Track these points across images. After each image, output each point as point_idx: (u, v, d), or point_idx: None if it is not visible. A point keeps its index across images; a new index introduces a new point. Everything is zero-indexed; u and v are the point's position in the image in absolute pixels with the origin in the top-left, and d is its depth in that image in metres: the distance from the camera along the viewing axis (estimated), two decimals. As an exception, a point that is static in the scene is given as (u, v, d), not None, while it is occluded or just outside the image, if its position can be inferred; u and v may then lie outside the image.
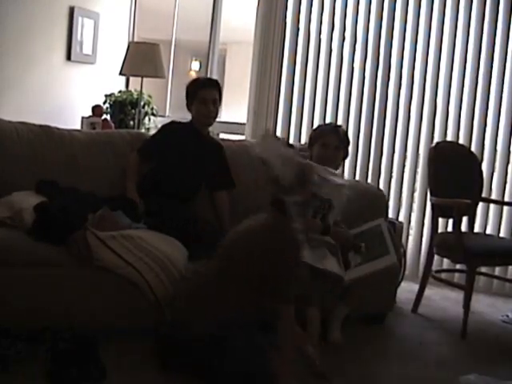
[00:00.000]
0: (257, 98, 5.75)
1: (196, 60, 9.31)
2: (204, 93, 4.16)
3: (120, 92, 6.03)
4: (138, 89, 5.77)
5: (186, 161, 4.16)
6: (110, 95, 5.94)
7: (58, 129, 4.29)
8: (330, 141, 4.05)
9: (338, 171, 4.27)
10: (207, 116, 4.19)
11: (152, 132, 5.08)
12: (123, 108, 5.85)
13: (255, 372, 3.04)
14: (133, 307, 3.48)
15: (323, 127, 4.34)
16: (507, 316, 4.69)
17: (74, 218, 3.54)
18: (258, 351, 3.12)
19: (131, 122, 5.77)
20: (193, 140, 4.22)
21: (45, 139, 4.16)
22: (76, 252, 3.43)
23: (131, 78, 6.35)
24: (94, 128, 5.30)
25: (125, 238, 3.46)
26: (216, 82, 4.37)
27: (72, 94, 5.75)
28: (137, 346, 3.42)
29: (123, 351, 3.38)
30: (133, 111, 5.80)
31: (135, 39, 6.56)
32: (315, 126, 5.16)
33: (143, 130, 5.80)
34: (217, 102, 4.20)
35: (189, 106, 4.23)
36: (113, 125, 5.56)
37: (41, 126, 4.24)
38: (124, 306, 3.49)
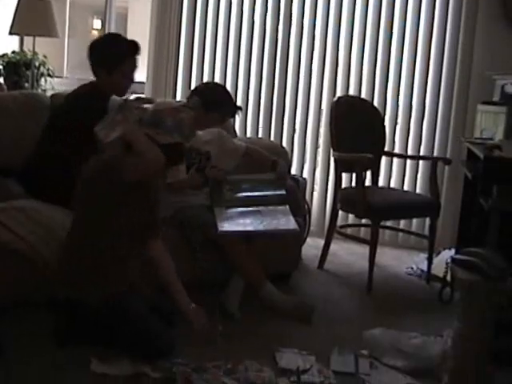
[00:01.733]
0: (156, 55, 5.60)
1: (98, 18, 9.03)
2: (135, 62, 3.71)
3: (13, 53, 5.78)
4: (34, 49, 5.52)
5: None
6: (3, 56, 5.68)
7: None
8: (228, 119, 4.10)
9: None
10: (127, 90, 3.78)
11: (49, 93, 4.89)
12: (17, 69, 5.60)
13: (155, 332, 3.05)
14: (27, 281, 3.33)
15: (229, 102, 3.99)
16: (411, 268, 4.74)
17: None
18: (154, 312, 3.14)
19: (26, 84, 5.54)
20: None
21: None
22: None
23: (26, 38, 6.07)
24: (-15, 91, 5.07)
25: (17, 209, 3.29)
26: None
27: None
28: (33, 320, 3.30)
29: (19, 326, 3.25)
30: (27, 72, 5.56)
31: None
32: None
33: (40, 91, 5.58)
34: None
35: (105, 70, 3.64)
36: (6, 87, 5.32)
37: None
38: (18, 279, 3.33)
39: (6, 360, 2.93)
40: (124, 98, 3.40)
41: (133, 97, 3.39)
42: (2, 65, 5.62)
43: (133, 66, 3.69)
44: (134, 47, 3.70)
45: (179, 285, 3.22)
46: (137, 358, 2.94)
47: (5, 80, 5.53)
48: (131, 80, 3.73)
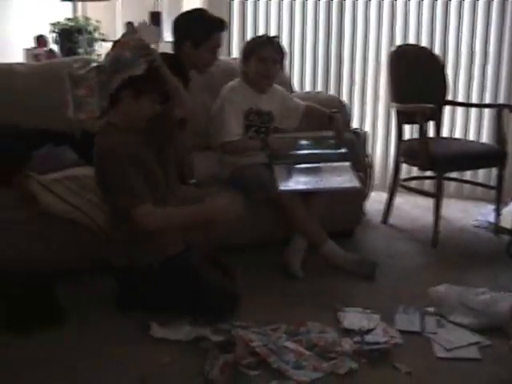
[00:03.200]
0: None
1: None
2: (220, 39, 3.69)
3: (66, 19, 5.75)
4: (86, 14, 5.49)
5: None
6: (57, 24, 5.65)
7: (-4, 64, 4.07)
8: (267, 54, 3.76)
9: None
10: (209, 67, 3.77)
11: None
12: (70, 36, 5.57)
13: (218, 287, 3.06)
14: (86, 247, 3.37)
15: (257, 39, 3.94)
16: (479, 220, 4.60)
17: (17, 158, 3.38)
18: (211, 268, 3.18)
19: (80, 50, 5.51)
20: None
21: (-19, 77, 3.94)
22: (22, 197, 3.29)
23: (79, 4, 6.03)
24: (39, 60, 5.05)
25: (70, 179, 3.29)
26: None
27: (13, 25, 5.48)
28: (94, 285, 3.37)
29: (80, 292, 3.31)
30: (81, 38, 5.52)
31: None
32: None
33: (94, 57, 5.55)
34: None
35: (192, 42, 3.58)
36: (60, 54, 5.31)
37: (-23, 62, 4.02)
38: (77, 246, 3.38)
39: (68, 325, 2.99)
40: None
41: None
42: (56, 32, 5.60)
43: (218, 43, 3.64)
44: (221, 24, 3.65)
45: None
46: (197, 321, 2.94)
47: (60, 47, 5.51)
48: (215, 57, 3.68)
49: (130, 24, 3.09)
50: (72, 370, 2.64)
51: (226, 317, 2.97)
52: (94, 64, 3.07)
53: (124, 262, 3.06)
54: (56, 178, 3.28)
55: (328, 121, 3.93)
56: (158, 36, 3.23)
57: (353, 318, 3.05)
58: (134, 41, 3.03)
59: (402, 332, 2.94)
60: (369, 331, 2.92)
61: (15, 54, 5.19)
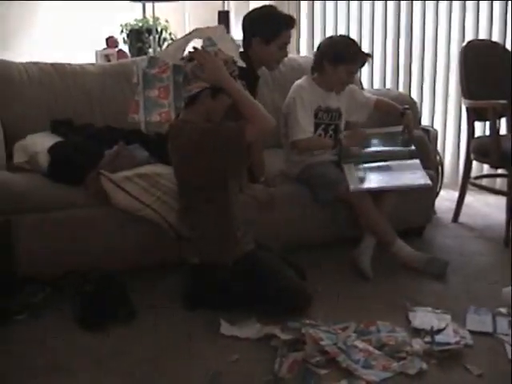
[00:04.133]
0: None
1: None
2: (289, 36, 3.71)
3: (136, 20, 5.84)
4: (155, 15, 5.56)
5: None
6: (126, 24, 5.75)
7: (69, 65, 4.14)
8: (356, 69, 3.80)
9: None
10: (279, 64, 3.86)
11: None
12: (140, 36, 5.65)
13: (291, 282, 3.08)
14: (156, 245, 3.41)
15: (351, 48, 3.71)
16: (553, 219, 4.50)
17: (90, 156, 3.44)
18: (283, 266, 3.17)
19: (150, 50, 5.59)
20: None
21: (56, 77, 4.02)
22: (93, 194, 3.35)
23: (147, 5, 6.10)
24: (109, 60, 5.15)
25: (140, 177, 3.32)
26: None
27: (84, 27, 5.59)
28: (164, 283, 3.41)
29: (151, 289, 3.36)
30: (150, 38, 5.61)
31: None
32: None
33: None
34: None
35: (263, 39, 3.60)
36: (129, 55, 5.39)
37: (52, 63, 4.10)
38: (148, 243, 3.42)
39: (138, 321, 3.04)
40: None
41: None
42: (126, 33, 5.69)
43: (288, 40, 3.67)
44: (290, 20, 3.68)
45: None
46: (267, 319, 2.95)
47: (129, 47, 5.60)
48: (285, 53, 3.70)
49: (209, 39, 3.09)
50: (141, 366, 2.68)
51: (296, 315, 2.97)
52: (167, 62, 3.07)
53: (196, 260, 3.10)
54: (127, 175, 3.31)
55: (400, 117, 3.89)
56: (236, 47, 3.25)
57: (423, 317, 3.02)
58: (221, 53, 3.05)
59: (472, 333, 2.89)
60: (439, 331, 2.88)
61: (88, 56, 5.30)
